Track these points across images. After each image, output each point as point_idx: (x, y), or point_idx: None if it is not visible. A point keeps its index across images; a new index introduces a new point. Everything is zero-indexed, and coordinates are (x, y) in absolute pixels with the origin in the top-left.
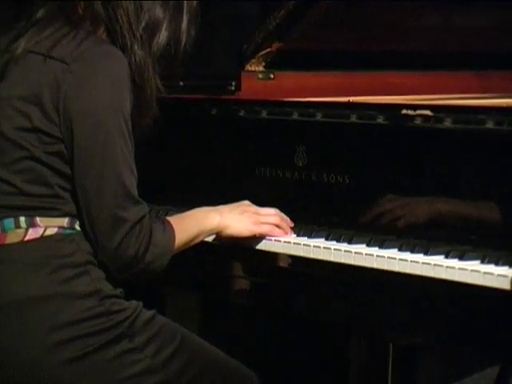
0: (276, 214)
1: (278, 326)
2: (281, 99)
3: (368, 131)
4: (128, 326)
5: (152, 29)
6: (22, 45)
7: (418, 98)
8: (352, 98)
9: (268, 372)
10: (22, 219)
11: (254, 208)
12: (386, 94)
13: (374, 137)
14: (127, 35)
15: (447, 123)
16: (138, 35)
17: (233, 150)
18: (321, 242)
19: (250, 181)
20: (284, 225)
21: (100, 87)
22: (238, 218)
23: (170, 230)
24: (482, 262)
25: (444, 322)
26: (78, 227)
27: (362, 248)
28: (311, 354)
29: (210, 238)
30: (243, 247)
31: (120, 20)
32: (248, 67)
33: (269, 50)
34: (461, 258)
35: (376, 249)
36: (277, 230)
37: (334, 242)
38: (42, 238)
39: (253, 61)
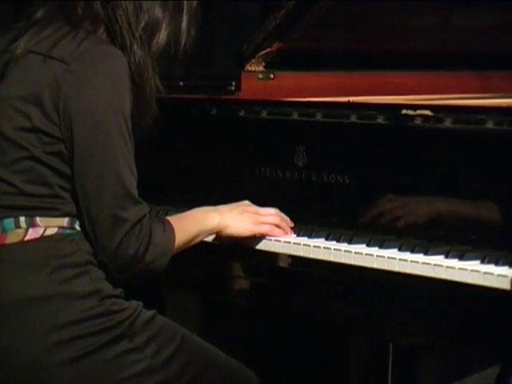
0: (276, 214)
1: (278, 326)
2: (281, 99)
3: (368, 131)
4: (128, 326)
5: (151, 29)
6: (21, 45)
7: (418, 97)
8: (352, 98)
9: (268, 372)
10: (22, 219)
11: (254, 208)
12: (386, 93)
13: (374, 137)
14: (126, 35)
15: (447, 123)
16: (137, 35)
17: (233, 150)
18: (321, 241)
19: (250, 181)
20: (284, 225)
21: (100, 87)
22: (238, 218)
23: (169, 230)
24: (482, 262)
25: (444, 321)
26: (77, 227)
27: (362, 248)
28: (311, 354)
29: (209, 238)
30: (243, 247)
31: (119, 20)
32: (248, 67)
33: (269, 50)
34: (461, 257)
35: (376, 249)
36: (277, 229)
37: (334, 242)
38: (42, 237)
39: (253, 61)
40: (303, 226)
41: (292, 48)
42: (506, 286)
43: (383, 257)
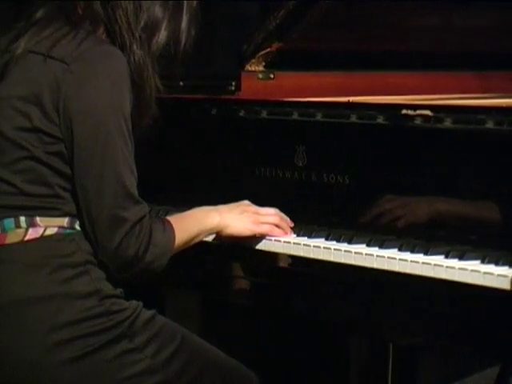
0: (276, 214)
1: (278, 326)
2: (281, 99)
3: (368, 131)
4: (128, 326)
5: (151, 28)
6: (21, 45)
7: (418, 97)
8: (352, 98)
9: (268, 372)
10: (22, 219)
11: (254, 208)
12: (386, 94)
13: (374, 137)
14: (126, 35)
15: (447, 123)
16: (137, 35)
17: (233, 150)
18: (321, 241)
19: (250, 181)
20: (284, 225)
21: (100, 87)
22: (238, 218)
23: (169, 230)
24: (482, 262)
25: (444, 322)
26: (77, 227)
27: (362, 248)
28: (311, 354)
29: (209, 238)
30: (243, 247)
31: (119, 20)
32: (248, 67)
33: (269, 50)
34: (461, 257)
35: (376, 249)
36: (277, 229)
37: (334, 242)
38: (42, 237)
39: (253, 61)
40: (303, 226)
41: (292, 48)
42: (505, 286)
43: (383, 257)
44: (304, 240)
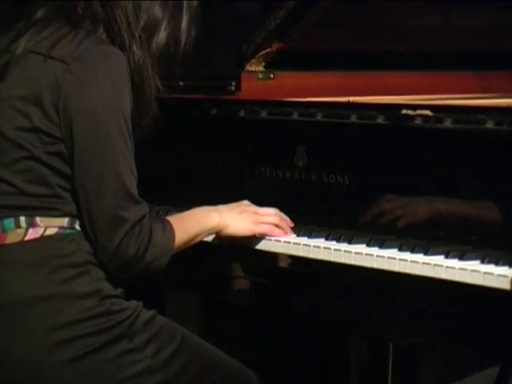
0: (276, 214)
1: (278, 326)
2: (281, 99)
3: (368, 131)
4: (128, 326)
5: (151, 28)
6: (21, 45)
7: (418, 97)
8: (352, 98)
9: (268, 372)
10: (22, 219)
11: (254, 208)
12: (386, 94)
13: (374, 137)
14: (126, 35)
15: (447, 123)
16: (136, 35)
17: (233, 150)
18: (321, 242)
19: (250, 181)
20: (284, 225)
21: (100, 87)
22: (238, 218)
23: (169, 230)
24: (482, 262)
25: (444, 322)
26: (78, 227)
27: (362, 248)
28: (311, 354)
29: (209, 238)
30: (243, 247)
31: (118, 20)
32: (248, 67)
33: (269, 50)
34: (461, 258)
35: (376, 249)
36: (276, 229)
37: (334, 242)
38: (42, 237)
39: (253, 61)
40: (303, 226)
41: (292, 48)
42: (506, 286)
43: (383, 257)
44: (304, 240)
